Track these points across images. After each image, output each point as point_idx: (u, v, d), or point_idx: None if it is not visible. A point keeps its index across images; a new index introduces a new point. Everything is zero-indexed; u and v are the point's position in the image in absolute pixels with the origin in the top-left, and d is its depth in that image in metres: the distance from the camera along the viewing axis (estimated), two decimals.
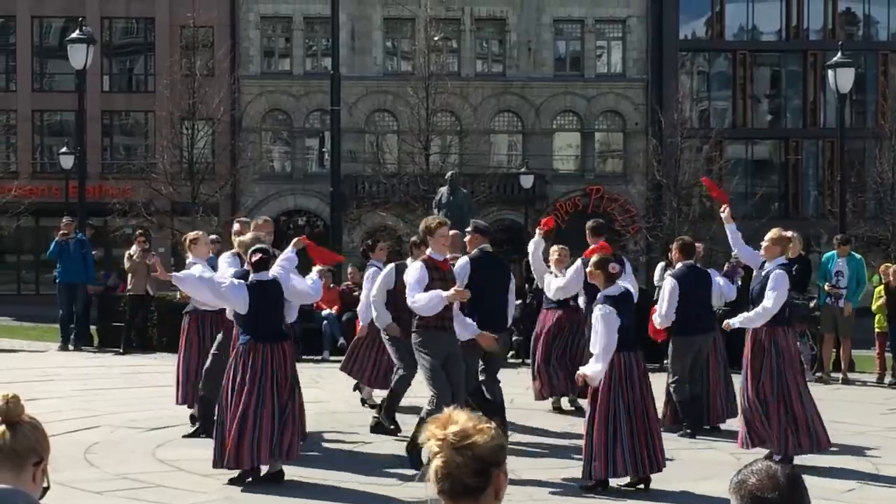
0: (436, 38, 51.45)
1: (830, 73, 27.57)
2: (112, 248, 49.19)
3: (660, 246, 37.46)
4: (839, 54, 27.31)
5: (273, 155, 58.67)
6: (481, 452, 3.32)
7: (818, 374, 21.23)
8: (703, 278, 14.19)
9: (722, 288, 14.88)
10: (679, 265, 14.22)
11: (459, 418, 3.38)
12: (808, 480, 3.52)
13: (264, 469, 11.04)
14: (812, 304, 21.68)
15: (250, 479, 10.97)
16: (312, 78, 55.30)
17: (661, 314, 13.69)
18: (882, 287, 21.52)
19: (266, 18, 56.71)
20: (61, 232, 25.56)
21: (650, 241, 51.13)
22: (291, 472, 11.35)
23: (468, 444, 3.32)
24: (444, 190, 24.97)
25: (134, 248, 25.30)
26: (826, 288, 21.12)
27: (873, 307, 21.76)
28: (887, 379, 21.04)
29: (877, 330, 21.71)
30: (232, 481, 10.92)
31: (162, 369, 21.42)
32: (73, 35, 28.59)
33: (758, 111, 60.41)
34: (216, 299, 11.47)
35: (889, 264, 22.62)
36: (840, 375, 21.06)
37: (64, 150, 47.63)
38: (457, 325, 11.45)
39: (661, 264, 22.58)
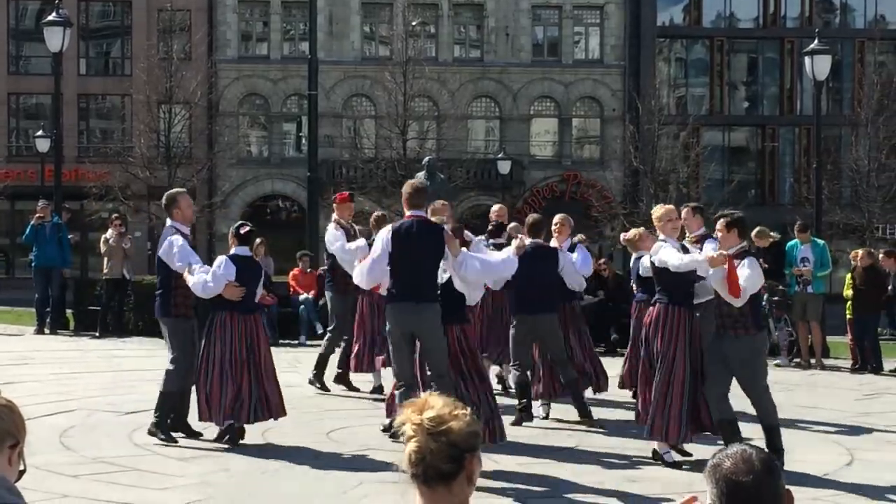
0: (413, 23, 51.44)
1: (807, 60, 27.62)
2: (88, 231, 49.03)
3: None
4: (816, 41, 27.36)
5: (250, 139, 58.60)
6: (456, 438, 3.33)
7: (796, 360, 21.34)
8: (545, 256, 13.53)
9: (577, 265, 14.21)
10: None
11: (436, 403, 3.39)
12: (783, 465, 3.54)
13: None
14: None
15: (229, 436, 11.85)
16: (290, 62, 55.19)
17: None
18: (851, 273, 21.61)
19: (243, 2, 56.54)
20: (37, 215, 25.46)
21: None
22: (268, 455, 11.37)
23: (443, 430, 3.33)
24: (421, 175, 24.98)
25: (110, 231, 25.27)
26: (794, 271, 21.20)
27: (845, 293, 21.85)
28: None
29: (848, 317, 21.80)
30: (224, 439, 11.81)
31: (138, 353, 21.41)
32: (50, 18, 28.44)
33: (735, 98, 60.55)
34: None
35: (858, 250, 22.68)
36: (815, 361, 21.15)
37: (40, 133, 47.46)
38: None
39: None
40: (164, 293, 12.22)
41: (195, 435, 12.19)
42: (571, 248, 14.49)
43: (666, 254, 11.25)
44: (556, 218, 14.65)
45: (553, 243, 14.05)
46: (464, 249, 11.26)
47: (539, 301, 13.20)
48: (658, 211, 11.92)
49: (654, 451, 11.50)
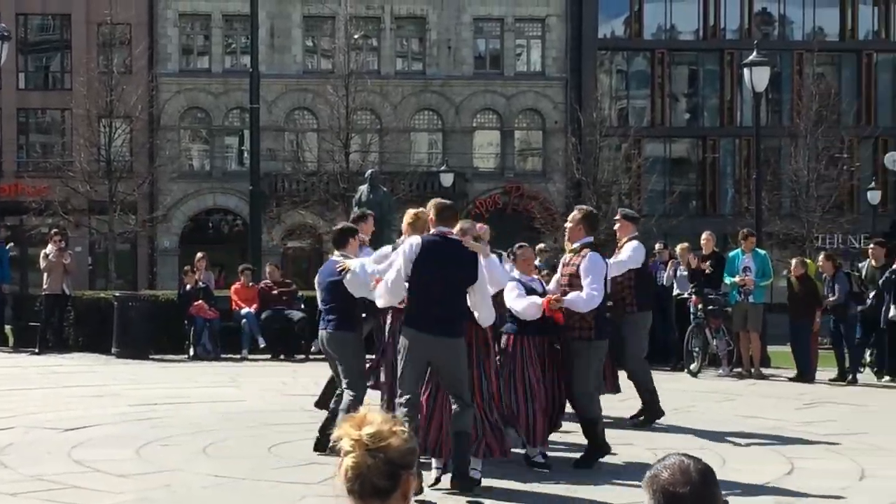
0: (356, 37, 51.37)
1: (746, 71, 27.83)
2: (28, 247, 48.61)
3: None
4: (755, 53, 27.57)
5: (192, 153, 58.32)
6: (393, 455, 3.34)
7: (736, 370, 21.46)
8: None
9: None
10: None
11: (375, 419, 3.39)
12: (723, 475, 3.56)
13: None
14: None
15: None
16: (231, 76, 55.01)
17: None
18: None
19: (184, 16, 56.31)
20: None
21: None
22: (209, 471, 11.30)
23: (382, 446, 3.33)
24: (363, 188, 24.99)
25: (50, 247, 25.10)
26: (737, 280, 21.31)
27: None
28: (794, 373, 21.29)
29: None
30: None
31: (78, 369, 21.26)
32: None
33: (676, 110, 60.94)
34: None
35: (799, 258, 22.87)
36: (753, 370, 21.29)
37: None
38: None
39: None
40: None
41: None
42: None
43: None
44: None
45: None
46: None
47: None
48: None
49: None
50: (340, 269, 11.56)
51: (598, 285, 11.45)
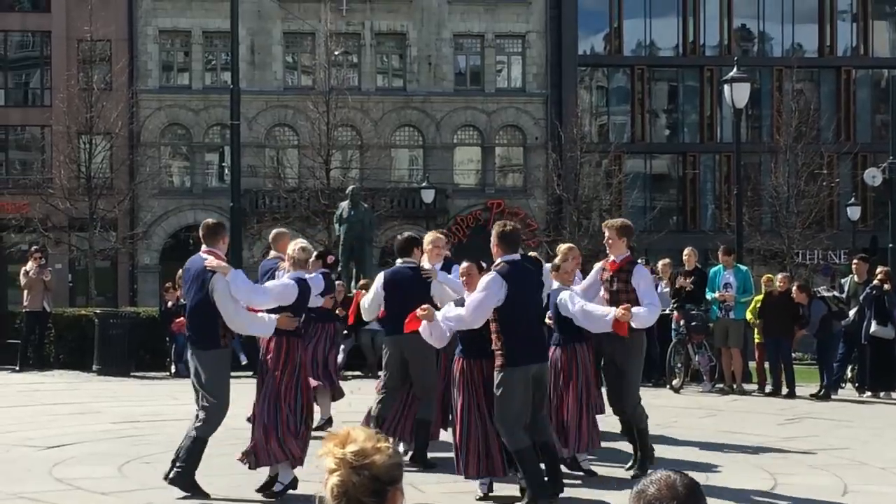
0: (336, 53, 51.40)
1: (726, 88, 27.86)
2: (8, 264, 48.46)
3: None
4: (735, 69, 27.62)
5: (172, 170, 58.20)
6: (378, 472, 3.34)
7: (719, 386, 21.47)
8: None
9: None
10: None
11: (358, 436, 3.38)
12: (707, 491, 3.55)
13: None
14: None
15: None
16: (212, 92, 54.97)
17: None
18: (761, 298, 21.72)
19: (164, 32, 56.24)
20: None
21: (551, 254, 51.34)
22: (189, 492, 11.26)
23: (366, 463, 3.33)
24: (345, 205, 25.01)
25: (30, 264, 25.03)
26: (717, 296, 21.33)
27: (749, 317, 21.89)
28: (767, 388, 21.28)
29: (757, 340, 21.97)
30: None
31: (59, 387, 21.17)
32: None
33: (656, 126, 61.07)
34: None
35: (770, 276, 22.89)
36: (735, 386, 21.30)
37: None
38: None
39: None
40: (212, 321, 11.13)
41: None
42: None
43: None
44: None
45: None
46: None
47: None
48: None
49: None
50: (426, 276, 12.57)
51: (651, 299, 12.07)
